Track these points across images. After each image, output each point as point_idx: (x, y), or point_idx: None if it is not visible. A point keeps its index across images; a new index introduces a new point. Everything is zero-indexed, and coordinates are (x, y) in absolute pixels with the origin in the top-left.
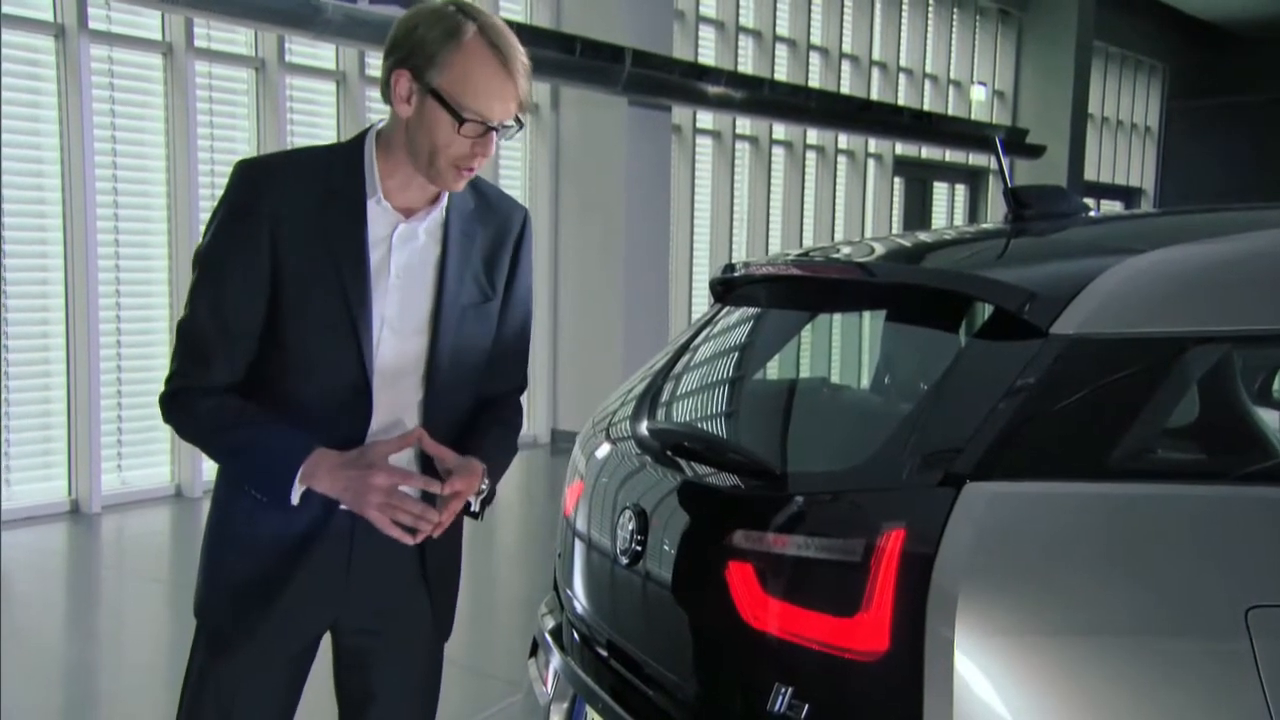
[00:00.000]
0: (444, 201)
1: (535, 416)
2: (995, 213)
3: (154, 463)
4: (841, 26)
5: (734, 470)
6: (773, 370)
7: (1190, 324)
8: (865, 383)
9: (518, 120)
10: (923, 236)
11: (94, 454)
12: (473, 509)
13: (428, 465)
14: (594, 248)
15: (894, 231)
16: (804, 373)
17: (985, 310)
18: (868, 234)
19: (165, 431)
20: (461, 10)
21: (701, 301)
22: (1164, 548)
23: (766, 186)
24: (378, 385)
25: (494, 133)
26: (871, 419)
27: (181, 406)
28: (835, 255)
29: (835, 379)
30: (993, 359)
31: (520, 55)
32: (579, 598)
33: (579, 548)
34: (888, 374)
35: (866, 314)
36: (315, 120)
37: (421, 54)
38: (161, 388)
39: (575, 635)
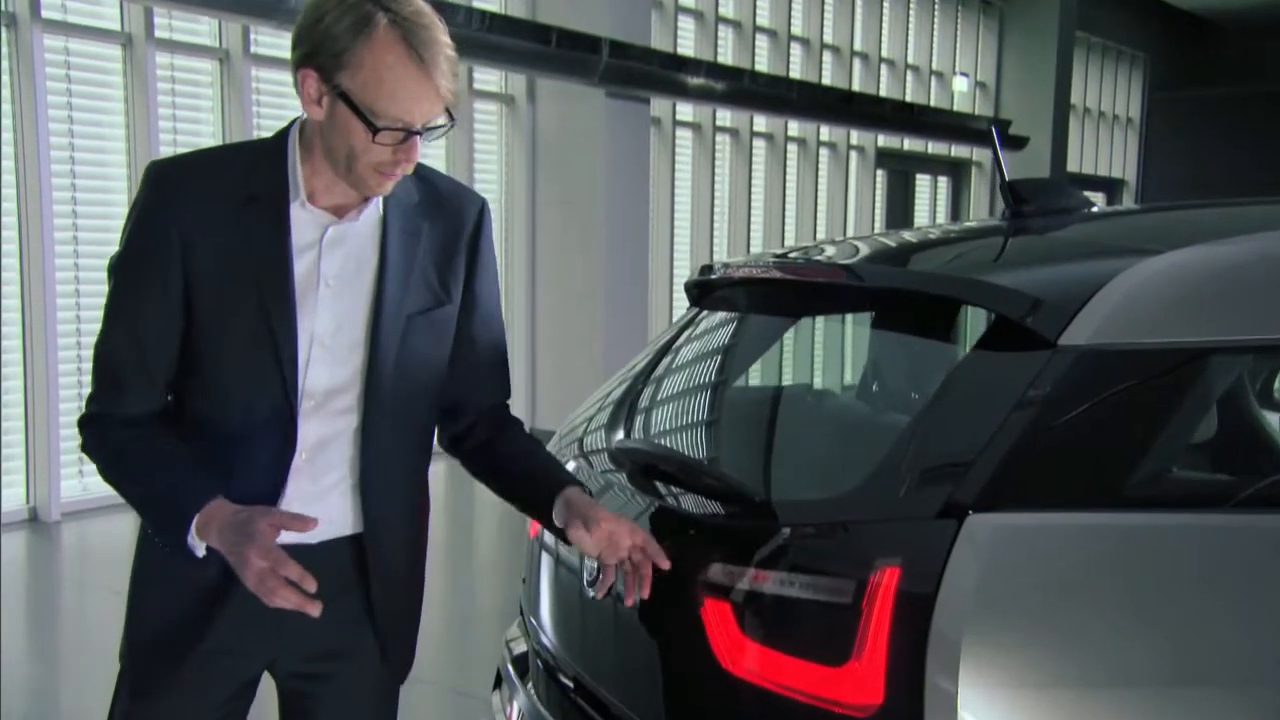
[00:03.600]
0: (377, 199)
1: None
2: (979, 205)
3: None
4: (823, 17)
5: (711, 495)
6: (753, 376)
7: (1212, 333)
8: (849, 385)
9: (449, 116)
10: (911, 236)
11: (53, 459)
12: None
13: (362, 557)
14: (572, 242)
15: (880, 229)
16: (785, 378)
17: (978, 314)
18: (850, 227)
19: None
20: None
21: (682, 297)
22: (1191, 585)
23: (748, 179)
24: (306, 409)
25: (417, 137)
26: (859, 433)
27: (95, 435)
28: (820, 257)
29: (818, 384)
30: (994, 373)
31: (442, 48)
32: (545, 629)
33: (545, 574)
34: (875, 381)
35: (851, 316)
36: (282, 113)
37: (327, 50)
38: (80, 409)
39: (541, 665)
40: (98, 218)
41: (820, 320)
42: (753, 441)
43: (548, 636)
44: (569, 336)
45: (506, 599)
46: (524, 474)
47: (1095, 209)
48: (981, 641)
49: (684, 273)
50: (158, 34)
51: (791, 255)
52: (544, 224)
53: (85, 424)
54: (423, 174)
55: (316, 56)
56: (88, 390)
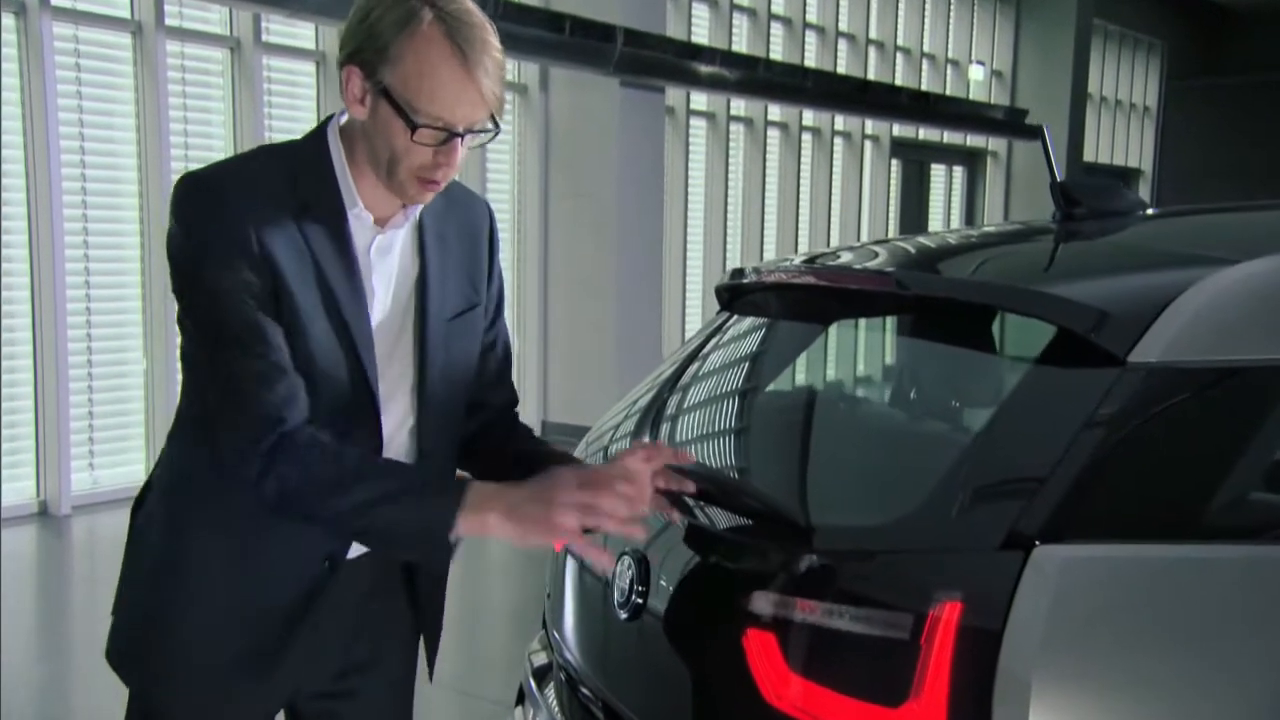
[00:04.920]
0: (418, 205)
1: (525, 408)
2: (994, 195)
3: (128, 461)
4: (838, 4)
5: (751, 516)
6: (783, 381)
7: None
8: (865, 378)
9: (494, 123)
10: (953, 238)
11: (63, 452)
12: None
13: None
14: (585, 234)
15: (896, 219)
16: (815, 382)
17: (1019, 319)
18: (865, 216)
19: (139, 428)
20: None
21: (696, 287)
22: None
23: (762, 168)
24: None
25: (458, 139)
26: (900, 443)
27: (288, 453)
28: (859, 262)
29: (849, 387)
30: (1058, 392)
31: (489, 50)
32: (569, 646)
33: (570, 592)
34: (913, 387)
35: (880, 320)
36: (294, 103)
37: (372, 46)
38: (244, 466)
39: (564, 678)
40: (107, 208)
41: (849, 323)
42: (788, 453)
43: (572, 653)
44: (581, 328)
45: (515, 596)
46: (533, 457)
47: (1151, 211)
48: (1053, 683)
49: (697, 263)
50: (168, 22)
51: (827, 259)
52: (556, 215)
53: (262, 477)
54: None
55: (361, 53)
56: (238, 439)
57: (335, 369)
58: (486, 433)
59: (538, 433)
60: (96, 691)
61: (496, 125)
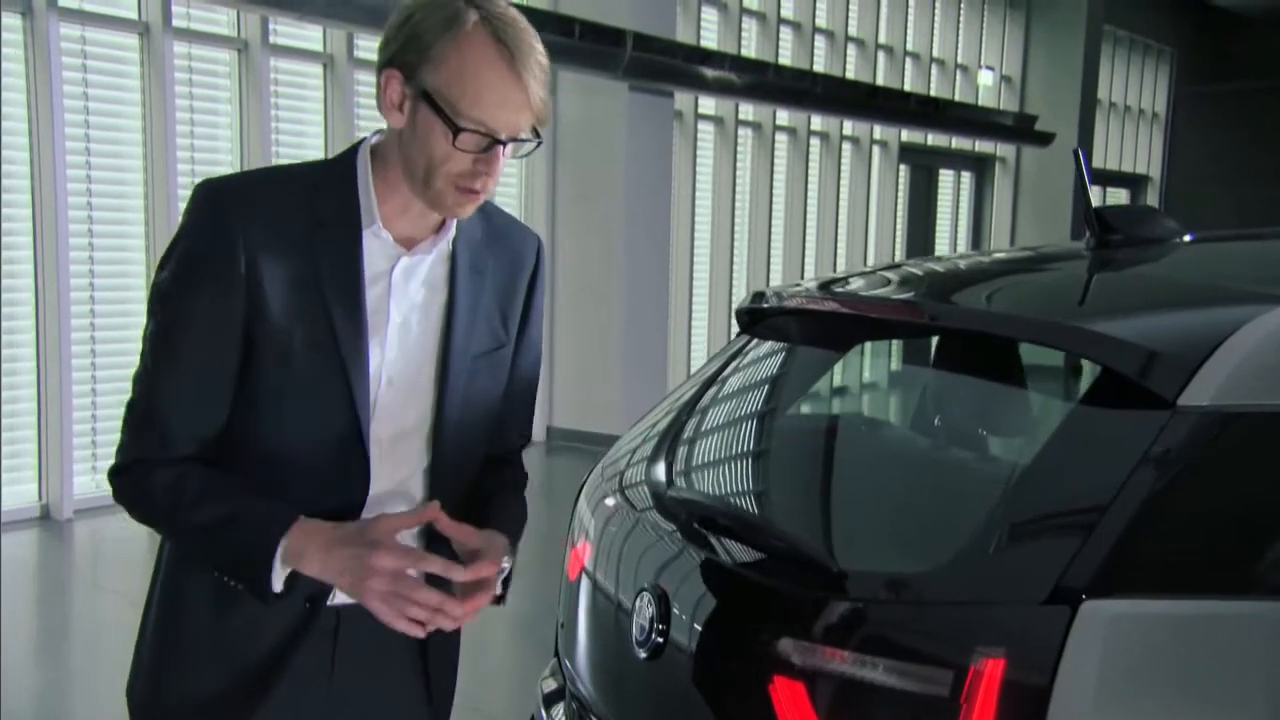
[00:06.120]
0: (452, 229)
1: None
2: (1002, 201)
3: None
4: (847, 9)
5: (777, 555)
6: (807, 408)
7: None
8: (906, 419)
9: (535, 133)
10: (984, 260)
11: (65, 455)
12: (496, 592)
13: (433, 541)
14: (593, 238)
15: (903, 225)
16: (836, 408)
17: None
18: (873, 222)
19: None
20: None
21: (702, 292)
22: None
23: (770, 173)
24: (375, 454)
25: (500, 147)
26: (932, 479)
27: (134, 484)
28: (886, 286)
29: (875, 417)
30: (1104, 436)
31: (535, 54)
32: (584, 681)
33: (585, 623)
34: (936, 413)
35: (897, 343)
36: (301, 105)
37: (414, 49)
38: (112, 460)
39: (575, 707)
40: (113, 209)
41: (874, 352)
42: (813, 486)
43: (585, 687)
44: (588, 331)
45: (524, 608)
46: (487, 511)
47: (1189, 238)
48: None
49: (704, 267)
50: (175, 23)
51: (852, 284)
52: (563, 219)
53: (122, 471)
54: (483, 207)
55: (402, 55)
56: (121, 437)
57: (320, 406)
58: (486, 471)
59: (540, 438)
60: (97, 696)
61: (539, 135)
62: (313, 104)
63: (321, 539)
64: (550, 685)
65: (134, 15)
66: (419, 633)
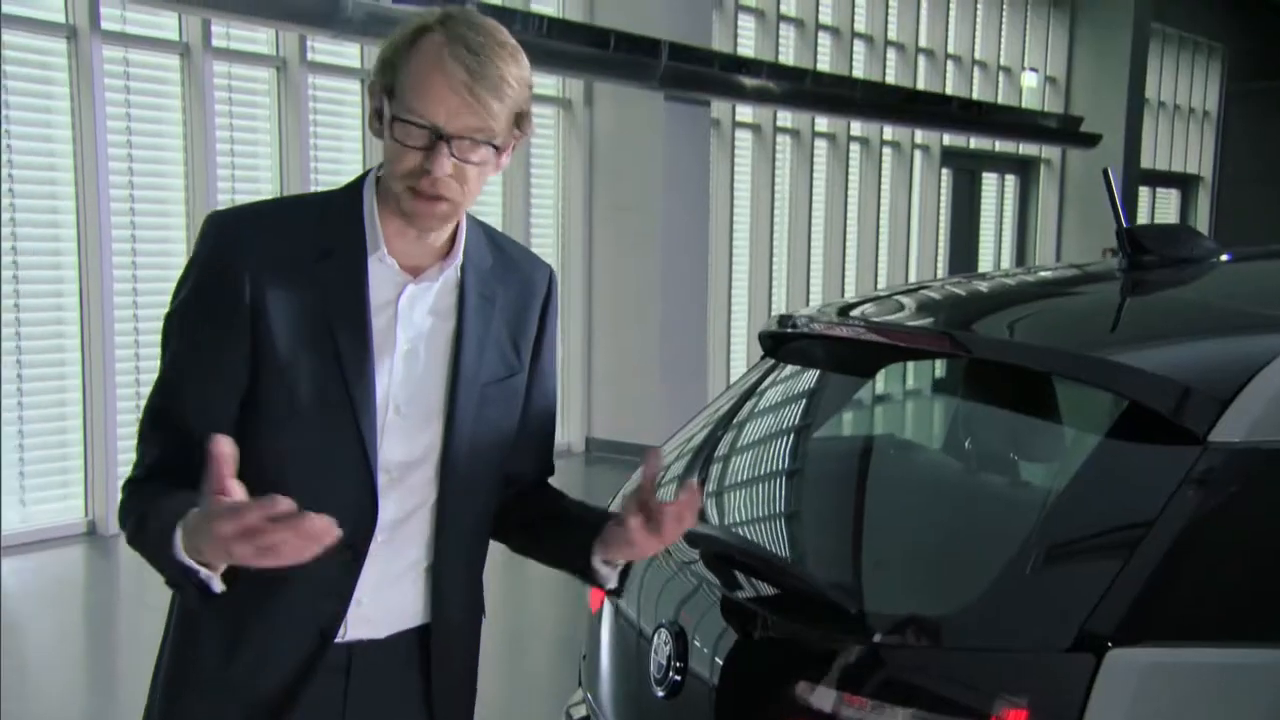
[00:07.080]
0: (458, 257)
1: (570, 424)
2: (1047, 205)
3: None
4: (887, 13)
5: (797, 596)
6: (830, 439)
7: None
8: (930, 450)
9: (493, 147)
10: (1013, 283)
11: (111, 471)
12: (612, 585)
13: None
14: (630, 248)
15: (946, 230)
16: (863, 441)
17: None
18: (914, 227)
19: None
20: (444, 15)
21: (741, 301)
22: None
23: (809, 180)
24: (384, 483)
25: (443, 144)
26: (956, 518)
27: (121, 505)
28: (910, 312)
29: (898, 449)
30: (1131, 475)
31: (492, 59)
32: (607, 716)
33: (607, 657)
34: (968, 437)
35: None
36: (340, 121)
37: (387, 68)
38: (128, 473)
39: None
40: (156, 228)
41: (899, 380)
42: (834, 524)
43: None
44: (626, 341)
45: (555, 619)
46: (563, 515)
47: (1225, 258)
48: None
49: (743, 277)
50: (215, 43)
51: (877, 309)
52: (601, 230)
53: (129, 485)
54: (493, 236)
55: (378, 74)
56: (139, 439)
57: (327, 433)
58: (517, 506)
59: (579, 449)
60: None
61: (495, 147)
62: (351, 120)
63: (192, 526)
64: (580, 712)
65: (175, 36)
66: (306, 557)
